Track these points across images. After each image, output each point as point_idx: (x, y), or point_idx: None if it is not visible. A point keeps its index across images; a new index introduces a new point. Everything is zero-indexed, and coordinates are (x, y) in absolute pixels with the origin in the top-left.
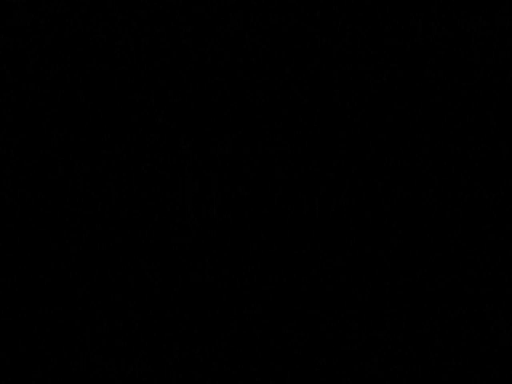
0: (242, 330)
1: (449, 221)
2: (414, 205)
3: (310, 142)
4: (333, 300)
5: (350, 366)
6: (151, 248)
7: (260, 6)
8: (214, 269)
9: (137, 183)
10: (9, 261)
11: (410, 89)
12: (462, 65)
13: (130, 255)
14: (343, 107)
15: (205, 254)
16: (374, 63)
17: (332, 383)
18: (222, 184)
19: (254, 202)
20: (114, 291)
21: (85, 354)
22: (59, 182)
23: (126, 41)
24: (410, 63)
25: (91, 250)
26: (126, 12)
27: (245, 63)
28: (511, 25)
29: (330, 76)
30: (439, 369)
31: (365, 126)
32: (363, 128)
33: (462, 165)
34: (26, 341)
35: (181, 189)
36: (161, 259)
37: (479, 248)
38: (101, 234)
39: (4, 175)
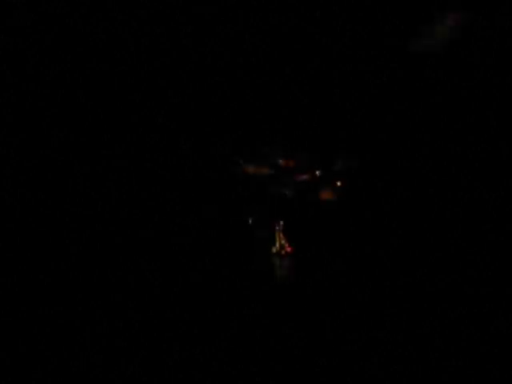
0: (242, 330)
1: (449, 221)
2: (414, 205)
3: (309, 142)
4: (333, 300)
5: (350, 366)
6: (151, 248)
7: (260, 6)
8: (214, 269)
9: (137, 183)
10: (9, 261)
11: (410, 89)
12: (461, 65)
13: (130, 255)
14: (343, 107)
15: (205, 254)
16: (374, 63)
17: (332, 383)
18: (222, 184)
19: (255, 202)
20: (114, 291)
21: (85, 354)
22: (59, 182)
23: (125, 41)
24: (409, 63)
25: (91, 250)
26: (126, 12)
27: (245, 63)
28: (511, 25)
29: (330, 76)
30: (439, 369)
31: (365, 126)
32: (363, 128)
33: (462, 165)
34: (26, 341)
35: (181, 189)
36: (161, 259)
37: (479, 248)
38: (101, 234)
39: (4, 175)
